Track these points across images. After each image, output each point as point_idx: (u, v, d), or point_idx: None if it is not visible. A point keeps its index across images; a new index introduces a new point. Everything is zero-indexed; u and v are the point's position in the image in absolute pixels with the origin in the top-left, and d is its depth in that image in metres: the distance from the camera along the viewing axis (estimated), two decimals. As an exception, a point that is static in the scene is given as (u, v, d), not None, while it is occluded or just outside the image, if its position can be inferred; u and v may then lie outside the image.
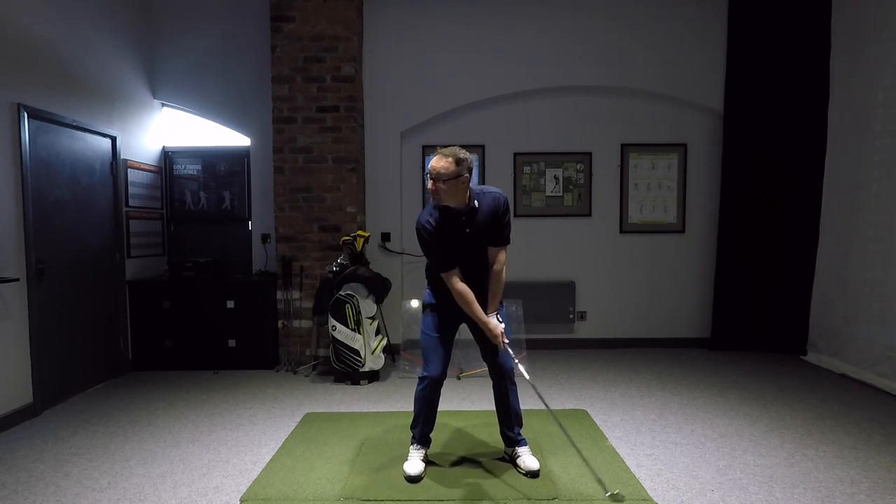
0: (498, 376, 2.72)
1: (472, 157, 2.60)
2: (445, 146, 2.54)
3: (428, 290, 2.77)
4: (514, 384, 2.74)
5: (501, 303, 2.76)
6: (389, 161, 5.20)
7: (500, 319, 2.65)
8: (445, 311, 2.68)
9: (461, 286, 2.55)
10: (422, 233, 2.56)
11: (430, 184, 2.48)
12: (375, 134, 5.15)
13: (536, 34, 5.11)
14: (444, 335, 2.69)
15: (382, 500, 2.46)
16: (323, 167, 4.71)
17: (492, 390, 2.79)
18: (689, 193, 5.32)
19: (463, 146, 2.60)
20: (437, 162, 2.46)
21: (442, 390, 2.76)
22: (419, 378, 2.72)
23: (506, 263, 2.66)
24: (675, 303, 5.37)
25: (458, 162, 2.44)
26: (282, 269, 4.74)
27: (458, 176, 2.45)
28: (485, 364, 2.81)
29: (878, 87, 4.22)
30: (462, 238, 2.57)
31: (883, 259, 4.15)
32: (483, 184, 5.21)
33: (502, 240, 2.63)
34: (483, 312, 2.59)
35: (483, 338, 2.69)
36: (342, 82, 4.69)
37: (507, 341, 2.63)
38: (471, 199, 2.55)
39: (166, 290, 4.69)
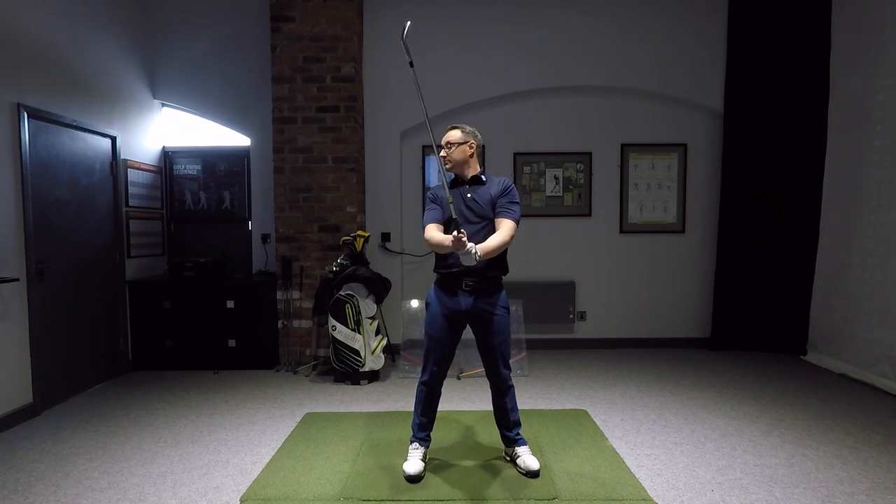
0: (496, 380, 2.71)
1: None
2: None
3: (433, 287, 2.75)
4: (512, 386, 2.74)
5: (503, 289, 2.71)
6: (389, 161, 5.20)
7: (477, 252, 2.38)
8: (446, 310, 2.67)
9: (435, 230, 2.60)
10: (427, 194, 2.79)
11: (442, 153, 2.71)
12: (375, 134, 5.15)
13: (536, 34, 5.11)
14: (444, 336, 2.67)
15: (382, 500, 2.46)
16: (323, 167, 4.71)
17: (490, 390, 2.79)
18: (689, 193, 5.32)
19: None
20: (448, 132, 2.75)
21: (442, 390, 2.77)
22: (418, 380, 2.75)
23: (510, 238, 2.56)
24: (675, 303, 5.37)
25: (465, 131, 2.72)
26: (282, 269, 4.74)
27: (465, 141, 2.69)
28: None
29: (878, 87, 4.22)
30: (464, 202, 2.66)
31: (883, 259, 4.15)
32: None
33: (512, 215, 2.62)
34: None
35: (483, 341, 2.69)
36: (342, 82, 4.69)
37: (466, 245, 2.33)
38: (482, 172, 2.76)
39: (166, 290, 4.69)
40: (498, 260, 2.65)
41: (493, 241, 2.54)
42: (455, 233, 2.34)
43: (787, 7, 4.88)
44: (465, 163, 2.70)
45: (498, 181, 2.71)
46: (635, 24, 5.11)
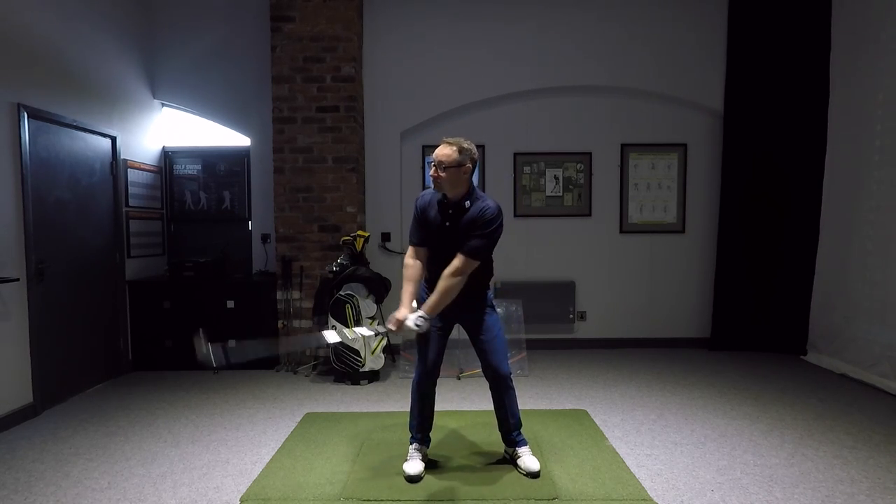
0: (494, 380, 2.69)
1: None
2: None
3: (423, 285, 2.76)
4: (512, 388, 2.71)
5: (492, 299, 2.71)
6: (389, 161, 5.20)
7: (420, 321, 2.45)
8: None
9: (410, 261, 2.61)
10: (415, 203, 2.66)
11: (432, 170, 2.51)
12: (375, 134, 5.15)
13: (536, 34, 5.11)
14: (437, 329, 2.67)
15: (382, 500, 2.46)
16: (323, 167, 4.71)
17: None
18: (689, 193, 5.32)
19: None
20: (440, 150, 2.49)
21: (442, 390, 2.77)
22: (413, 380, 2.74)
23: (459, 275, 2.45)
24: (675, 303, 5.37)
25: (461, 151, 2.47)
26: (282, 269, 4.74)
27: (459, 165, 2.46)
28: None
29: (878, 86, 4.22)
30: (440, 228, 2.56)
31: (883, 259, 4.15)
32: (483, 183, 5.24)
33: (468, 248, 2.45)
34: (407, 297, 2.53)
35: (474, 339, 2.69)
36: (342, 82, 4.69)
37: (384, 329, 2.51)
38: (467, 195, 2.53)
39: (166, 290, 4.69)
40: (478, 275, 2.59)
41: (435, 296, 2.46)
42: (389, 327, 2.47)
43: (787, 7, 4.88)
44: (455, 186, 2.48)
45: (478, 207, 2.47)
46: (635, 23, 5.11)
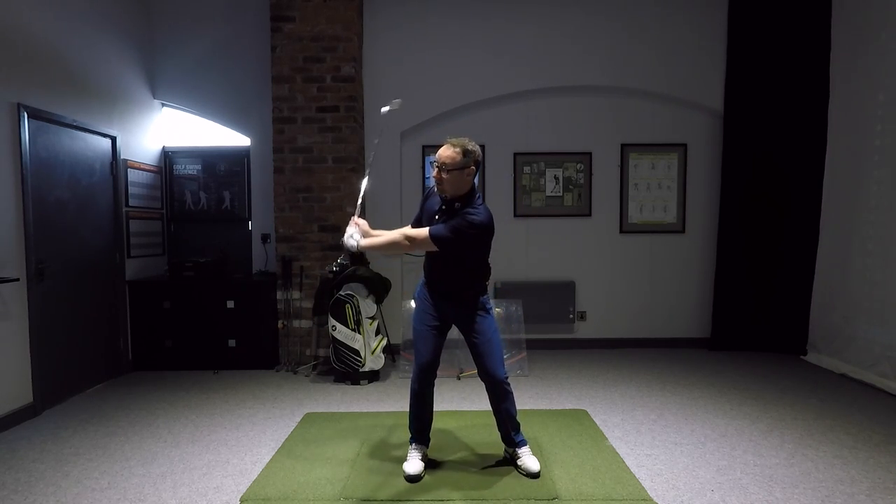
0: (490, 384, 2.68)
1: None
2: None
3: (420, 282, 2.79)
4: (509, 391, 2.68)
5: (487, 302, 2.70)
6: (389, 161, 5.20)
7: (352, 238, 2.49)
8: (432, 305, 2.69)
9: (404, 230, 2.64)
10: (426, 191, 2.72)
11: (434, 171, 2.48)
12: (376, 134, 5.15)
13: (536, 34, 5.11)
14: (432, 328, 2.68)
15: (382, 500, 2.46)
16: (323, 167, 4.71)
17: None
18: (689, 193, 5.32)
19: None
20: (444, 151, 2.45)
21: (442, 390, 2.77)
22: (411, 379, 2.74)
23: (408, 242, 2.46)
24: (675, 303, 5.37)
25: (466, 153, 2.43)
26: (282, 269, 4.74)
27: (463, 167, 2.43)
28: None
29: (878, 87, 4.22)
30: (432, 220, 2.57)
31: (883, 259, 4.15)
32: (483, 183, 5.24)
33: (434, 228, 2.43)
34: (379, 231, 2.63)
35: (468, 341, 2.70)
36: (342, 82, 4.69)
37: (348, 230, 2.52)
38: (464, 198, 2.50)
39: (166, 290, 4.69)
40: (468, 283, 2.61)
41: (378, 239, 2.55)
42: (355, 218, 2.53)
43: (787, 7, 4.88)
44: (457, 188, 2.45)
45: (467, 211, 2.42)
46: (636, 24, 5.11)
